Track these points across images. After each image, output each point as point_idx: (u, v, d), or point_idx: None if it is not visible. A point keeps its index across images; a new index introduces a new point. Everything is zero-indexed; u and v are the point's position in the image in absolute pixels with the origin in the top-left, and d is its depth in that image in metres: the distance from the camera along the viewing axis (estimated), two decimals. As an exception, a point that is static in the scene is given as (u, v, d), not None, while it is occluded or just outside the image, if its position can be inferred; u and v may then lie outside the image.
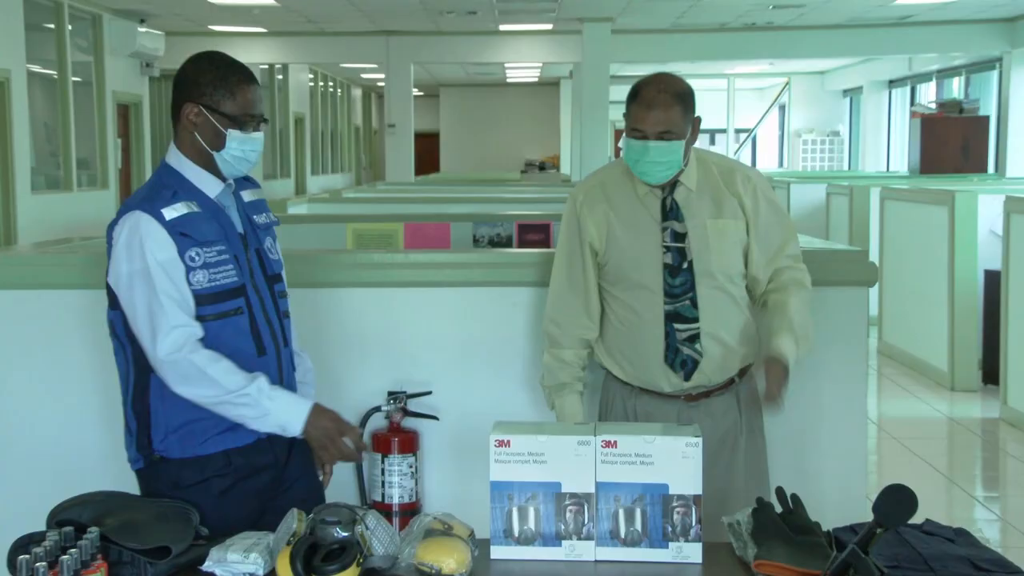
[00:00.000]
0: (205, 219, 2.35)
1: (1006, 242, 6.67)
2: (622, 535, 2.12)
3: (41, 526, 2.08)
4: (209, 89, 2.35)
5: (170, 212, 2.30)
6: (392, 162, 15.54)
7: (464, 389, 3.04)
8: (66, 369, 3.02)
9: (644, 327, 2.72)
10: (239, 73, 2.38)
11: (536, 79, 22.78)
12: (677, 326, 2.70)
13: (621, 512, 2.13)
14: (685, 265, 2.70)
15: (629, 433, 2.16)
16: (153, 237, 2.28)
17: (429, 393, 2.96)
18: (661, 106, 2.61)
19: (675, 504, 2.12)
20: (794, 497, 2.17)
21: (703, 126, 2.75)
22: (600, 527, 2.13)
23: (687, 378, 2.71)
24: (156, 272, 2.28)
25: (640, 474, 2.13)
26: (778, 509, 2.14)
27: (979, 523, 4.91)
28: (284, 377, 2.47)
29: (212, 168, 2.40)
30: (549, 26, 14.44)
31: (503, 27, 14.55)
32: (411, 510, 2.82)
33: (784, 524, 2.06)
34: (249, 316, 2.39)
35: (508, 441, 2.15)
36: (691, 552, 2.11)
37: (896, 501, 1.88)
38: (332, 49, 15.37)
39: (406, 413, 2.92)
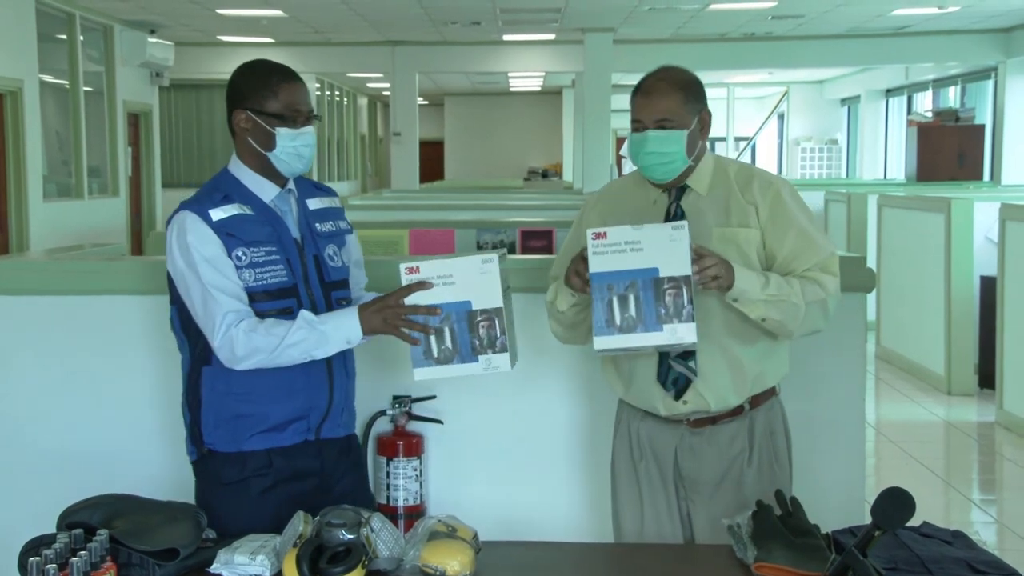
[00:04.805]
0: (256, 222, 2.40)
1: (1001, 248, 6.72)
2: (618, 323, 2.17)
3: (51, 528, 2.09)
4: (253, 93, 2.40)
5: (217, 213, 2.36)
6: (397, 170, 15.58)
7: (467, 393, 3.02)
8: (77, 373, 3.05)
9: None
10: (278, 73, 2.43)
11: (539, 88, 22.78)
12: None
13: (615, 300, 2.17)
14: None
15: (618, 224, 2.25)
16: (199, 235, 2.33)
17: (433, 397, 2.98)
18: (658, 93, 2.45)
19: (666, 286, 2.16)
20: (793, 500, 2.19)
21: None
22: (596, 317, 2.18)
23: (678, 396, 2.48)
24: (203, 266, 2.32)
25: (630, 261, 2.18)
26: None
27: (976, 526, 4.93)
28: (334, 378, 2.48)
29: (270, 172, 2.44)
30: (552, 36, 14.47)
31: (506, 37, 14.58)
32: (416, 513, 2.83)
33: (784, 527, 2.08)
34: None
35: (417, 267, 2.25)
36: (685, 333, 2.17)
37: (894, 504, 1.89)
38: (338, 59, 15.40)
39: (411, 417, 2.94)
